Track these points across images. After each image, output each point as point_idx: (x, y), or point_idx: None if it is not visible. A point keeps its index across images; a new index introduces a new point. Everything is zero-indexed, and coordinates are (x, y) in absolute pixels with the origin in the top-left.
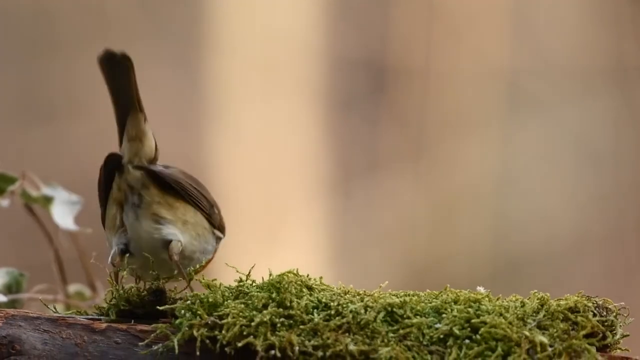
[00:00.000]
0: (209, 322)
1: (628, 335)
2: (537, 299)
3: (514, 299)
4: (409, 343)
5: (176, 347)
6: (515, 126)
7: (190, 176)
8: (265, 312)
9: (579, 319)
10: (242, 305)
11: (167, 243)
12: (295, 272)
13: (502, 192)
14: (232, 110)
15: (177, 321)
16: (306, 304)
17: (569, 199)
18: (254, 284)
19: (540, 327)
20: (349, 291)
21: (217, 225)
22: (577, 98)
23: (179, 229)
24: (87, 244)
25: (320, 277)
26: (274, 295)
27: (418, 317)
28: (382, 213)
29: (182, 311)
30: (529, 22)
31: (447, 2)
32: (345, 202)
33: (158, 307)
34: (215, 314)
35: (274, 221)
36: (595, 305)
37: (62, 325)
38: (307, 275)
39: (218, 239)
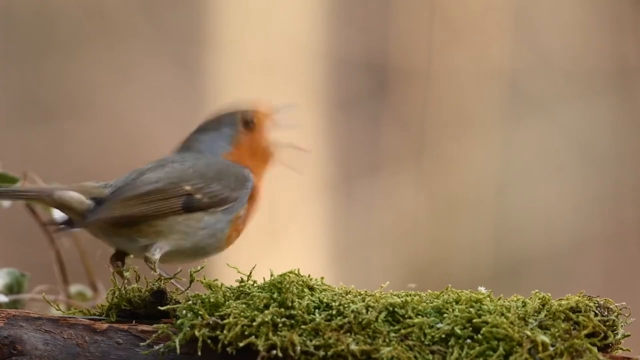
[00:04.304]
0: (211, 322)
1: (629, 335)
2: (539, 299)
3: (515, 298)
4: (410, 343)
5: (177, 347)
6: (516, 127)
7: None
8: (266, 312)
9: (581, 318)
10: (244, 306)
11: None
12: (296, 272)
13: (503, 192)
14: None
15: (179, 321)
16: (307, 304)
17: (570, 199)
18: (255, 284)
19: (542, 326)
20: (350, 291)
21: (202, 206)
22: (578, 99)
23: (157, 240)
24: (88, 245)
25: (322, 278)
26: (275, 295)
27: (419, 317)
28: (383, 213)
29: (184, 311)
30: (530, 23)
31: (448, 4)
32: (346, 202)
33: (159, 307)
34: (217, 314)
35: (275, 222)
36: (597, 305)
37: (63, 326)
38: (309, 276)
39: (220, 211)
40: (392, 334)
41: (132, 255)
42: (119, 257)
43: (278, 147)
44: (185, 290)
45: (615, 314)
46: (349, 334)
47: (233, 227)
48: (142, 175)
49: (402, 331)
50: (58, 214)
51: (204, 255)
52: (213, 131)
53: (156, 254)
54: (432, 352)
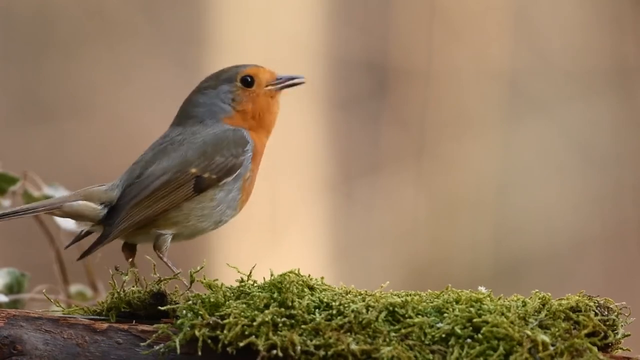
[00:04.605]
0: (211, 322)
1: (629, 334)
2: (539, 299)
3: (515, 298)
4: (410, 342)
5: (178, 347)
6: (516, 127)
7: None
8: (266, 312)
9: (581, 318)
10: (244, 305)
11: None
12: (296, 272)
13: (503, 192)
14: None
15: (179, 321)
16: (308, 303)
17: (569, 199)
18: (255, 284)
19: (542, 326)
20: (350, 291)
21: (212, 184)
22: (578, 99)
23: (174, 229)
24: (88, 245)
25: (322, 277)
26: (275, 295)
27: (420, 316)
28: (383, 213)
29: (184, 311)
30: (529, 23)
31: (448, 3)
32: (346, 202)
33: (159, 307)
34: (217, 314)
35: (275, 221)
36: (597, 304)
37: (63, 326)
38: (309, 276)
39: (230, 181)
40: (393, 334)
41: (133, 260)
42: (130, 246)
43: (277, 93)
44: (188, 288)
45: (616, 313)
46: (349, 334)
47: (244, 192)
48: (146, 169)
49: (403, 331)
50: (64, 223)
51: (222, 224)
52: (211, 90)
53: (167, 243)
54: (433, 352)
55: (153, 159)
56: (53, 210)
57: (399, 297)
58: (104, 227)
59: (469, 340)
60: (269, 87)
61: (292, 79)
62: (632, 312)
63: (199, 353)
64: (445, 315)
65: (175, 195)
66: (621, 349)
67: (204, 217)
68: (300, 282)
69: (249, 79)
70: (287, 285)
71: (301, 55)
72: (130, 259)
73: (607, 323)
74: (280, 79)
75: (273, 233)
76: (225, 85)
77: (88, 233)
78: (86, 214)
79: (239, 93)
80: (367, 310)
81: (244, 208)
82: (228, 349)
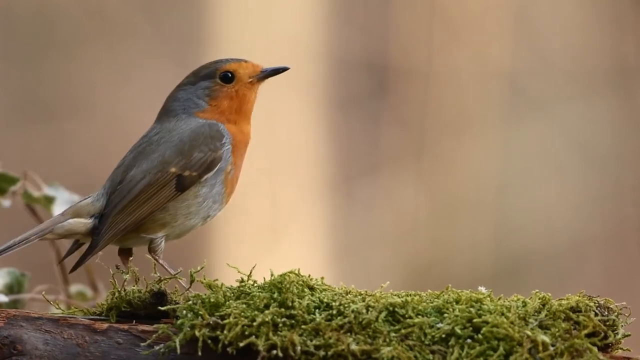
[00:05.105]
0: (211, 322)
1: (629, 335)
2: (539, 299)
3: (515, 298)
4: (410, 342)
5: (178, 347)
6: (516, 127)
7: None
8: (267, 312)
9: (581, 318)
10: (244, 306)
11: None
12: (296, 272)
13: (503, 192)
14: None
15: (179, 321)
16: (308, 304)
17: (570, 199)
18: (255, 284)
19: (542, 326)
20: (350, 291)
21: (194, 181)
22: (578, 99)
23: (163, 231)
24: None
25: (322, 278)
26: (275, 295)
27: (420, 316)
28: (383, 213)
29: (184, 311)
30: (530, 23)
31: (448, 3)
32: (346, 202)
33: (159, 307)
34: (217, 314)
35: (276, 222)
36: (597, 304)
37: (63, 326)
38: (309, 276)
39: (212, 175)
40: (393, 334)
41: (130, 263)
42: (126, 250)
43: (258, 83)
44: (188, 289)
45: (616, 313)
46: (349, 334)
47: (227, 184)
48: (127, 173)
49: (403, 331)
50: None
51: (210, 219)
52: (190, 86)
53: (161, 245)
54: (433, 352)
55: (133, 162)
56: (45, 235)
57: (399, 297)
58: (92, 238)
59: (469, 341)
60: (251, 79)
61: (277, 70)
62: (632, 312)
63: (199, 353)
64: (445, 315)
65: (159, 197)
66: (621, 349)
67: (191, 215)
68: (300, 282)
69: (229, 75)
70: (287, 286)
71: (301, 55)
72: (128, 261)
73: (607, 323)
74: (265, 71)
75: (273, 233)
76: (204, 82)
77: (81, 244)
78: (78, 230)
79: (216, 89)
80: (367, 310)
81: (245, 208)
82: (228, 349)
